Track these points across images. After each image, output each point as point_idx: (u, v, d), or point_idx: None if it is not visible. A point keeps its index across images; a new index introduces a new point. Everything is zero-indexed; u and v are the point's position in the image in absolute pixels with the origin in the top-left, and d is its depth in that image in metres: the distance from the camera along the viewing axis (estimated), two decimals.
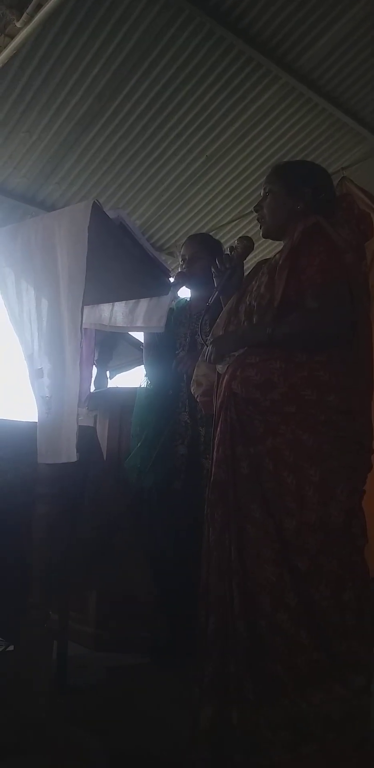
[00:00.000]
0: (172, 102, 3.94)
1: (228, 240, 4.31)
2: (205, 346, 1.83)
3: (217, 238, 3.35)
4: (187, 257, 2.65)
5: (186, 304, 2.72)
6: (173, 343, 2.61)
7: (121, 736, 1.67)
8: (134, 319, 2.14)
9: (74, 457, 1.60)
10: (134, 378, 3.33)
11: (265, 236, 1.91)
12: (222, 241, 3.32)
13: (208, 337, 1.87)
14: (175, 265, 3.26)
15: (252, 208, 4.52)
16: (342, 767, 1.49)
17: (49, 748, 1.49)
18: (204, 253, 2.62)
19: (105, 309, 2.23)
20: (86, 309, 2.08)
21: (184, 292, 2.77)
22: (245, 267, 1.99)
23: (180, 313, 2.68)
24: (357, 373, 1.68)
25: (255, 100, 3.92)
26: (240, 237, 1.98)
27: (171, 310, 2.61)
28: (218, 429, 1.72)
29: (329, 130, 4.15)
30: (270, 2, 3.33)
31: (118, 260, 1.95)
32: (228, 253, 1.95)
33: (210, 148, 4.27)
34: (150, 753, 1.60)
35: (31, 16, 3.18)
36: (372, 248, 3.09)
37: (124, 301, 2.17)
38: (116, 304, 2.19)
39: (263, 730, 1.48)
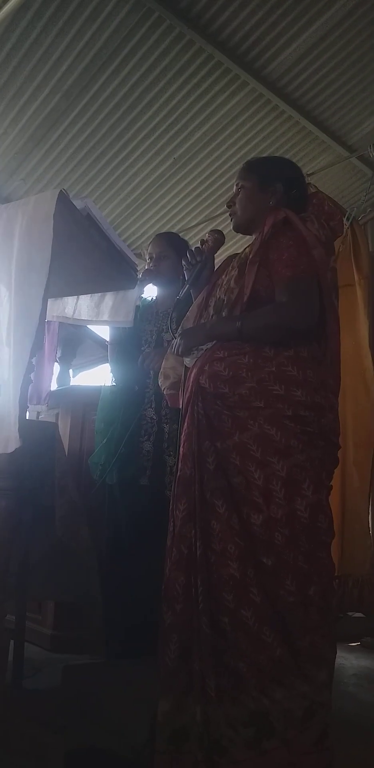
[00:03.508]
0: (140, 103, 3.93)
1: (195, 242, 4.31)
2: (174, 339, 1.81)
3: None
4: (153, 255, 2.64)
5: (152, 302, 2.70)
6: (139, 340, 2.58)
7: (78, 735, 1.63)
8: (100, 313, 2.11)
9: (18, 443, 1.54)
10: (97, 376, 3.30)
11: (236, 230, 1.91)
12: (189, 243, 3.32)
13: (178, 331, 1.84)
14: (142, 266, 3.24)
15: (219, 212, 4.60)
16: (302, 763, 1.48)
17: (4, 747, 1.43)
18: (171, 252, 2.62)
19: (69, 302, 2.19)
20: (49, 301, 2.04)
21: (150, 291, 2.75)
22: (216, 261, 1.98)
23: (146, 311, 2.66)
24: (325, 368, 1.69)
25: (223, 104, 3.94)
26: (211, 230, 1.98)
27: (137, 307, 2.60)
28: (185, 424, 1.70)
29: (295, 137, 4.19)
30: (240, 8, 3.35)
31: (84, 251, 1.92)
32: (199, 246, 1.93)
33: (177, 150, 4.27)
34: (106, 750, 1.56)
35: (0, 7, 3.14)
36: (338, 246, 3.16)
37: (88, 295, 2.14)
38: (81, 297, 2.15)
39: (224, 728, 1.46)
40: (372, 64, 3.73)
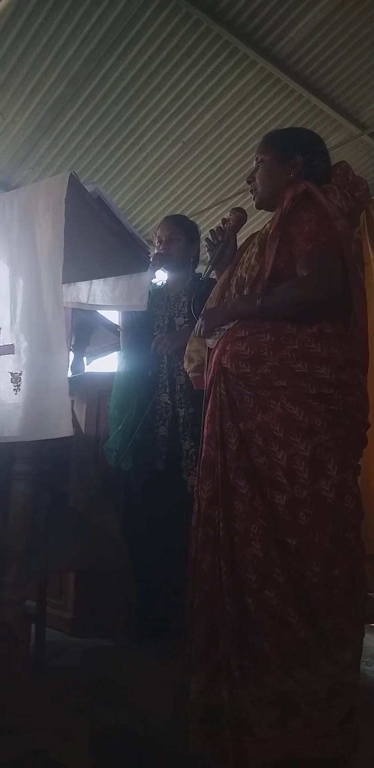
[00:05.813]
0: (147, 86, 3.90)
1: (207, 227, 4.29)
2: (197, 321, 1.79)
3: None
4: (163, 238, 2.61)
5: (162, 287, 2.68)
6: (151, 325, 2.57)
7: (101, 714, 1.65)
8: (115, 298, 2.09)
9: (71, 431, 1.56)
10: (111, 363, 3.29)
11: (258, 207, 1.86)
12: (200, 227, 3.29)
13: (201, 312, 1.81)
14: (152, 251, 3.22)
15: (230, 195, 4.56)
16: (327, 744, 1.47)
17: (28, 726, 1.45)
18: (181, 234, 2.59)
19: (83, 288, 2.18)
20: (63, 287, 2.02)
21: (160, 275, 2.73)
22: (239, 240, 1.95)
23: (156, 296, 2.64)
24: (350, 344, 1.65)
25: (232, 85, 3.90)
26: (233, 208, 1.94)
27: (147, 292, 2.58)
28: (208, 405, 1.68)
29: (306, 116, 4.14)
30: None
31: (96, 235, 1.90)
32: (221, 225, 1.90)
33: (187, 134, 4.24)
34: (130, 729, 1.57)
35: None
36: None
37: (102, 279, 2.13)
38: (94, 282, 2.14)
39: (249, 708, 1.45)
40: None
